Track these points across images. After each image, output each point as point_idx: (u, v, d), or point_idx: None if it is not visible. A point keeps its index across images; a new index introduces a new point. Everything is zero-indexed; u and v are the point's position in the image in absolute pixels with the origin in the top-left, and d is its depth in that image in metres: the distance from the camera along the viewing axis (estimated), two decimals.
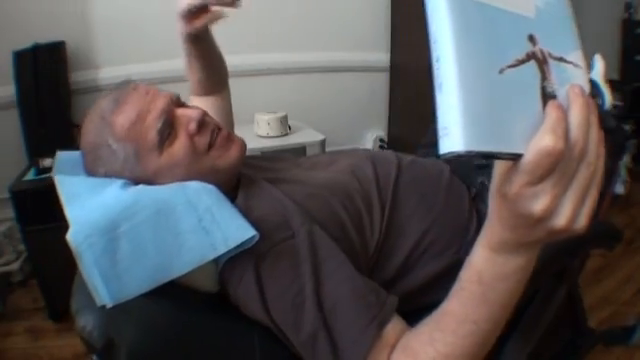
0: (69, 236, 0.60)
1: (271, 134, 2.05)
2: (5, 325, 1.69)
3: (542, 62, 0.39)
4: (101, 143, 0.74)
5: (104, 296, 0.58)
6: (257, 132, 2.07)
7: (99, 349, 0.62)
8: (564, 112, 0.36)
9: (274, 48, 2.30)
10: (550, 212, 0.38)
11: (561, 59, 0.41)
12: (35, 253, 1.65)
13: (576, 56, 0.42)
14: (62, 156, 0.83)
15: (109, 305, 0.58)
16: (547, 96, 0.38)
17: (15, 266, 1.88)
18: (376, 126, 2.61)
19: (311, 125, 2.22)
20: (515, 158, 0.36)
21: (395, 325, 0.63)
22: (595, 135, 0.38)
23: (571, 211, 0.38)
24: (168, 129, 0.73)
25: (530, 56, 0.38)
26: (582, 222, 0.39)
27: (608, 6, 2.82)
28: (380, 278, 0.77)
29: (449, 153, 0.33)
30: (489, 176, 0.87)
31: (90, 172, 0.77)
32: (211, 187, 0.70)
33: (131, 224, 0.62)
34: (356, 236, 0.77)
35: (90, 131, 0.76)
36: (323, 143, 2.07)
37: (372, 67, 2.49)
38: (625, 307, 1.69)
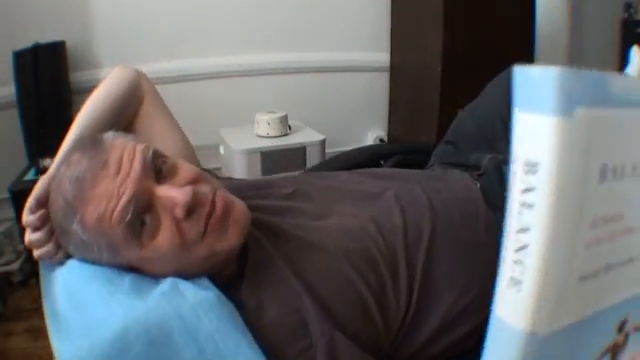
0: None
1: (271, 134, 2.05)
2: (5, 325, 1.68)
3: (619, 347, 0.33)
4: (70, 230, 0.62)
5: None
6: (257, 132, 2.06)
7: None
8: None
9: (274, 48, 2.30)
10: None
11: None
12: None
13: None
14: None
15: None
16: None
17: (15, 266, 1.87)
18: (376, 126, 2.61)
19: (311, 125, 2.22)
20: None
21: None
22: None
23: None
24: (145, 215, 0.60)
25: (609, 349, 0.33)
26: None
27: (608, 6, 2.82)
28: (405, 352, 0.70)
29: None
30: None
31: (63, 244, 0.66)
32: (212, 300, 0.60)
33: None
34: (379, 317, 0.67)
35: (55, 208, 0.64)
36: (323, 143, 2.07)
37: (372, 67, 2.49)
38: None
